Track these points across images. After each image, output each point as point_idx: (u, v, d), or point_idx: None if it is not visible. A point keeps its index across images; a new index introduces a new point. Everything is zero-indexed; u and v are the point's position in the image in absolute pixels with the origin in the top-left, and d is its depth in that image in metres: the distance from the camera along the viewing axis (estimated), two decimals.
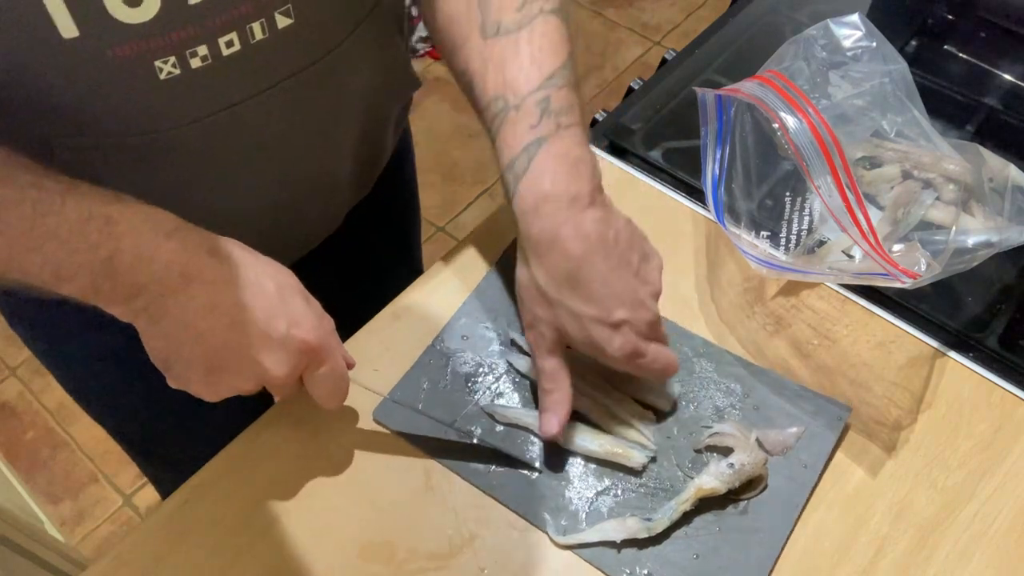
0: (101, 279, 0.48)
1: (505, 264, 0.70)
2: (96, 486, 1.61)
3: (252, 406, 0.63)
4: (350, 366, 0.58)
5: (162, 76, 0.50)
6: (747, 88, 0.63)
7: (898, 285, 0.56)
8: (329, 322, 0.56)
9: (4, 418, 1.70)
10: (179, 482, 0.61)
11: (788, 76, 0.63)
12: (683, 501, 0.57)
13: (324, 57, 0.58)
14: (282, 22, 0.53)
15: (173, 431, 0.82)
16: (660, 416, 0.62)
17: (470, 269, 0.71)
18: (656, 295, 0.58)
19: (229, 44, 0.52)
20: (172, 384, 0.53)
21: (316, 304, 0.56)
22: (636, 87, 0.86)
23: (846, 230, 0.58)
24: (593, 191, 0.56)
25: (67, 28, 0.46)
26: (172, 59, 0.50)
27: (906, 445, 0.61)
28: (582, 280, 0.54)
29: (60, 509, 1.59)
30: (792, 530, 0.57)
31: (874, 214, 0.65)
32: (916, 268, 0.56)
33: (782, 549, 0.56)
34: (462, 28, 0.60)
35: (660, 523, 0.56)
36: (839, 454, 0.61)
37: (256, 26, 0.52)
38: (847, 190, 0.57)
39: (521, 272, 0.59)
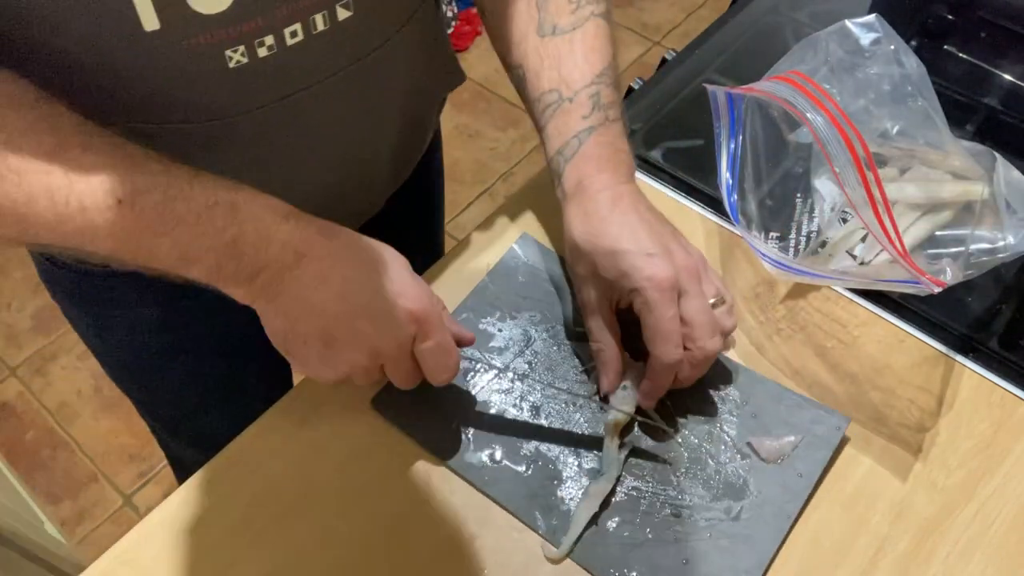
0: (226, 260, 0.51)
1: (509, 261, 0.70)
2: (96, 486, 1.61)
3: (286, 387, 0.66)
4: (469, 342, 0.60)
5: (231, 65, 0.53)
6: (767, 87, 0.63)
7: (923, 292, 0.56)
8: (438, 300, 0.58)
9: (4, 418, 1.70)
10: (200, 462, 0.61)
11: (808, 76, 0.63)
12: (611, 442, 0.59)
13: (377, 49, 0.61)
14: (342, 14, 0.56)
15: (207, 406, 0.85)
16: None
17: (470, 269, 0.71)
18: (701, 260, 0.60)
19: (293, 35, 0.54)
20: (295, 365, 0.56)
21: (425, 284, 0.58)
22: (636, 87, 0.86)
23: (872, 232, 0.57)
24: (630, 176, 0.63)
25: (150, 21, 0.49)
26: (241, 48, 0.53)
27: (906, 445, 0.61)
28: (615, 224, 0.59)
29: (60, 509, 1.59)
30: (784, 539, 0.57)
31: None
32: (942, 276, 0.55)
33: (773, 558, 0.56)
34: (520, 26, 0.65)
35: (610, 471, 0.58)
36: (840, 454, 0.61)
37: (319, 17, 0.55)
38: (872, 187, 0.57)
39: (566, 246, 0.63)
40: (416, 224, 0.93)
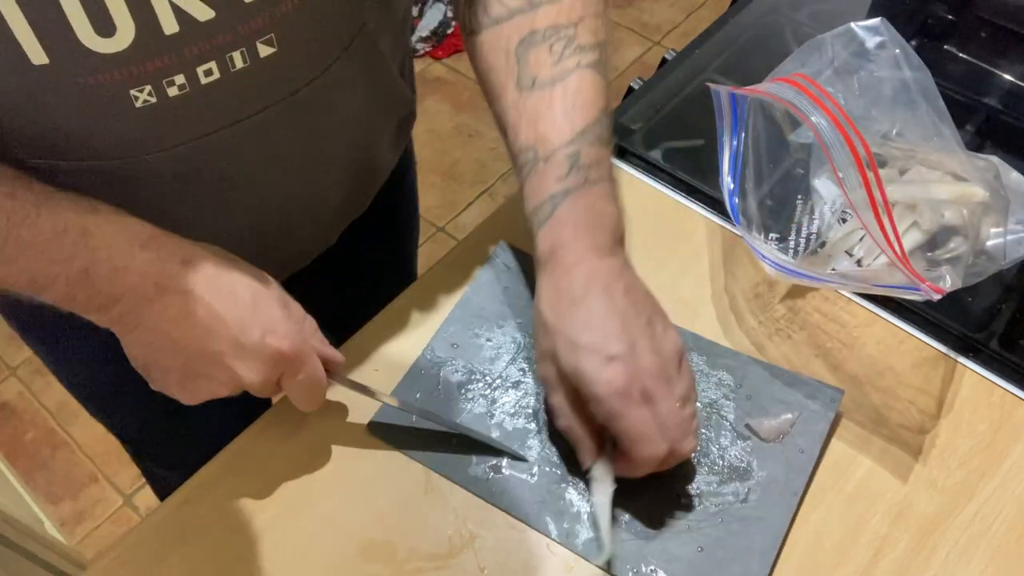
0: (76, 289, 0.48)
1: (490, 271, 0.70)
2: (96, 486, 1.61)
3: (249, 409, 0.63)
4: (334, 367, 0.58)
5: (138, 104, 0.49)
6: (770, 89, 0.63)
7: (922, 299, 0.56)
8: (310, 324, 0.57)
9: (4, 418, 1.70)
10: (176, 481, 0.61)
11: (812, 77, 0.62)
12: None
13: (307, 86, 0.57)
14: (264, 51, 0.51)
15: (169, 431, 0.83)
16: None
17: (470, 270, 0.71)
18: (672, 357, 0.54)
19: (208, 73, 0.50)
20: (153, 387, 0.55)
21: (296, 308, 0.56)
22: (636, 87, 0.86)
23: (872, 236, 0.57)
24: (613, 245, 0.56)
25: (36, 55, 0.45)
26: (148, 88, 0.49)
27: (906, 445, 0.61)
28: (582, 311, 0.53)
29: (60, 509, 1.59)
30: (795, 516, 0.57)
31: None
32: (941, 283, 0.55)
33: (785, 536, 0.57)
34: (500, 78, 0.61)
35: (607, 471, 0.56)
36: (840, 454, 0.61)
37: (236, 55, 0.51)
38: (873, 188, 0.57)
39: (534, 316, 0.58)
40: (383, 250, 0.88)
